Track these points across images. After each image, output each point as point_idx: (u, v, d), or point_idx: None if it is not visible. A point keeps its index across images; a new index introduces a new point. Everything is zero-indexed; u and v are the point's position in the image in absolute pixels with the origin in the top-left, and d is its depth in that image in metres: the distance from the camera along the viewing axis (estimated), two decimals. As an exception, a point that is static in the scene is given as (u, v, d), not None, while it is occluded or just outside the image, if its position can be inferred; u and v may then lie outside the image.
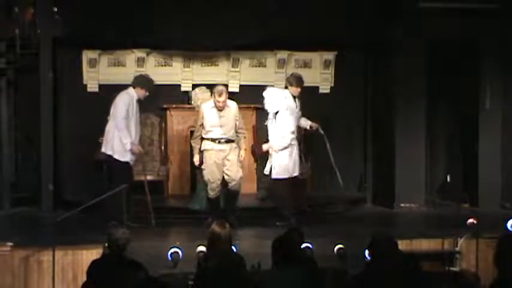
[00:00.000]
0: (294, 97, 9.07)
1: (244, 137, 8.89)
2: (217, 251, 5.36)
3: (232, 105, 8.75)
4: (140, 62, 10.56)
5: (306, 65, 10.96)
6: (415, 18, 9.97)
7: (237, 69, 10.79)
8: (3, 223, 9.23)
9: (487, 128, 10.30)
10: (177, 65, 10.75)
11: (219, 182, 8.68)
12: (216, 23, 9.96)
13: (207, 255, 5.55)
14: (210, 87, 9.39)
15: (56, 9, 9.64)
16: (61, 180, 10.20)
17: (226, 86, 9.04)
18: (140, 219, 8.60)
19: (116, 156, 8.49)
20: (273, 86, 9.84)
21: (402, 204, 10.23)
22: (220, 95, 8.52)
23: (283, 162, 8.84)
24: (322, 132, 9.55)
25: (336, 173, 9.72)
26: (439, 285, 5.95)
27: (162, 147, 10.42)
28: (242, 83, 10.73)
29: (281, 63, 10.80)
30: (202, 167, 8.73)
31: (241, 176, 8.76)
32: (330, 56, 10.91)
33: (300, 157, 9.24)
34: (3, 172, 10.13)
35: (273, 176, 8.89)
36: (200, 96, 9.23)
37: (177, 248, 6.79)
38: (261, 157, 9.56)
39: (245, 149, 8.90)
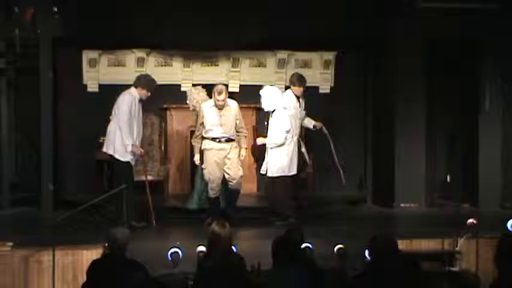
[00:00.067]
0: (298, 97, 9.11)
1: (245, 136, 8.90)
2: (217, 251, 5.36)
3: (233, 104, 8.75)
4: (140, 62, 10.57)
5: (306, 65, 10.97)
6: (415, 18, 9.97)
7: (237, 69, 10.80)
8: (3, 223, 9.23)
9: (487, 128, 10.30)
10: (177, 65, 10.75)
11: (219, 182, 8.68)
12: (216, 23, 9.97)
13: (207, 255, 5.54)
14: (207, 87, 9.37)
15: (56, 9, 9.64)
16: (61, 180, 10.20)
17: (226, 85, 9.03)
18: (141, 219, 8.60)
19: (117, 156, 8.49)
20: (273, 85, 9.85)
21: (402, 204, 10.24)
22: (220, 93, 8.52)
23: (278, 160, 8.84)
24: (326, 132, 9.57)
25: (340, 172, 9.73)
26: (439, 285, 5.95)
27: (162, 147, 10.41)
28: (242, 83, 10.73)
29: (281, 63, 10.81)
30: (203, 166, 8.73)
31: (242, 175, 8.76)
32: (330, 56, 10.91)
33: (305, 160, 9.26)
34: (3, 172, 10.14)
35: (268, 174, 8.91)
36: (196, 96, 9.20)
37: (177, 248, 6.78)
38: (260, 157, 9.56)
39: (246, 148, 8.90)
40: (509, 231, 6.92)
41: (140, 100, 8.60)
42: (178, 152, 10.48)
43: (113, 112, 8.55)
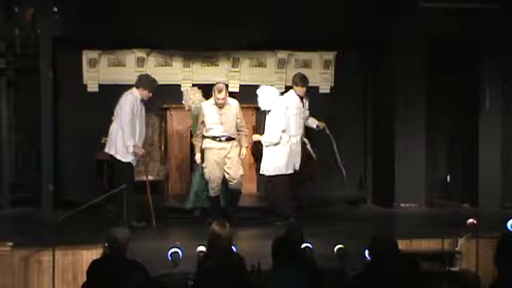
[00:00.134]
0: (300, 97, 9.14)
1: (246, 135, 8.89)
2: (217, 251, 5.36)
3: (233, 103, 8.76)
4: (140, 62, 10.57)
5: (306, 65, 10.97)
6: (415, 18, 9.97)
7: (237, 69, 10.80)
8: (3, 223, 9.23)
9: (487, 128, 10.30)
10: (177, 65, 10.75)
11: (219, 181, 8.68)
12: (216, 23, 9.97)
13: (207, 255, 5.54)
14: (206, 87, 9.37)
15: (56, 9, 9.64)
16: (61, 180, 10.20)
17: (226, 85, 9.03)
18: (141, 220, 8.59)
19: (118, 157, 8.48)
20: (272, 85, 9.86)
21: (402, 204, 10.24)
22: (220, 91, 8.53)
23: (275, 159, 8.84)
24: (328, 132, 9.57)
25: (343, 172, 9.75)
26: (439, 285, 5.95)
27: (162, 147, 10.41)
28: (242, 83, 10.73)
29: (281, 63, 10.81)
30: (203, 165, 8.73)
31: (242, 175, 8.76)
32: (330, 56, 10.92)
33: (310, 155, 9.27)
34: (3, 172, 10.14)
35: (264, 173, 8.90)
36: (192, 97, 9.19)
37: (177, 248, 6.78)
38: (260, 157, 9.56)
39: (246, 147, 8.90)
40: (509, 231, 6.92)
41: (142, 100, 8.60)
42: (178, 152, 10.47)
43: (115, 113, 8.54)
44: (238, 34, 10.19)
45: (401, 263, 5.09)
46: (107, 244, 5.87)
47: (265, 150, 8.92)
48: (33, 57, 9.85)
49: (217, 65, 10.82)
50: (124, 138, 8.40)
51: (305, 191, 9.82)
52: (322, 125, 9.57)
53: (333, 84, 11.01)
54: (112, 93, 9.43)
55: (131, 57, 10.62)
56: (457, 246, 7.49)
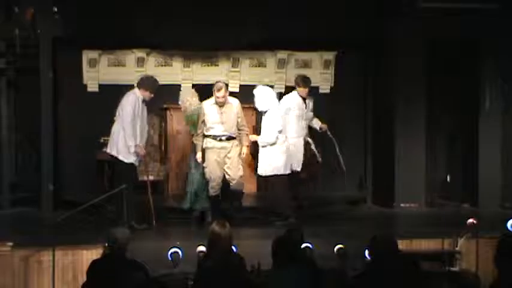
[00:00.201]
0: (303, 98, 9.14)
1: (247, 134, 8.89)
2: (217, 251, 5.36)
3: (234, 102, 8.76)
4: (140, 62, 10.57)
5: (306, 65, 10.98)
6: (415, 18, 9.97)
7: (237, 69, 10.80)
8: (3, 223, 9.23)
9: (487, 128, 10.31)
10: (177, 65, 10.76)
11: (219, 180, 8.68)
12: (216, 23, 9.97)
13: (207, 255, 5.54)
14: (203, 88, 9.38)
15: (56, 9, 9.65)
16: (61, 180, 10.20)
17: (226, 84, 9.01)
18: (142, 221, 8.59)
19: (120, 158, 8.48)
20: (272, 85, 9.88)
21: (402, 204, 10.24)
22: (219, 90, 8.53)
23: (272, 160, 8.83)
24: (330, 135, 9.56)
25: (345, 174, 9.76)
26: (439, 285, 5.95)
27: (162, 147, 10.41)
28: (242, 83, 10.73)
29: (281, 63, 10.81)
30: (204, 164, 8.73)
31: (242, 175, 8.76)
32: (330, 56, 10.92)
33: (314, 155, 9.28)
34: (3, 172, 10.14)
35: (260, 173, 8.90)
36: (189, 98, 9.16)
37: (177, 248, 6.78)
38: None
39: (247, 146, 8.89)
40: (509, 231, 6.93)
41: (143, 101, 8.60)
42: (178, 152, 10.47)
43: (117, 113, 8.54)
44: (238, 34, 10.19)
45: (401, 263, 5.09)
46: (107, 244, 5.87)
47: (261, 151, 8.91)
48: (33, 57, 9.86)
49: (217, 65, 10.82)
50: (125, 138, 8.40)
51: (305, 191, 9.82)
52: (324, 127, 9.59)
53: (333, 84, 11.01)
54: (112, 93, 9.44)
55: (131, 57, 10.62)
56: (457, 246, 7.49)
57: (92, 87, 10.62)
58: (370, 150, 11.05)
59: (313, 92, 9.81)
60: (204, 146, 8.72)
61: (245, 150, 8.82)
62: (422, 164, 10.42)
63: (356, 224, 9.04)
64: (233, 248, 5.65)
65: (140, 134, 8.54)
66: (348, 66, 10.91)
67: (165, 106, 10.39)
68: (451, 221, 8.67)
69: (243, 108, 9.13)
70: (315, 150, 9.49)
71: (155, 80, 8.77)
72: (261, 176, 9.01)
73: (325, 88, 10.99)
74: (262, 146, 8.88)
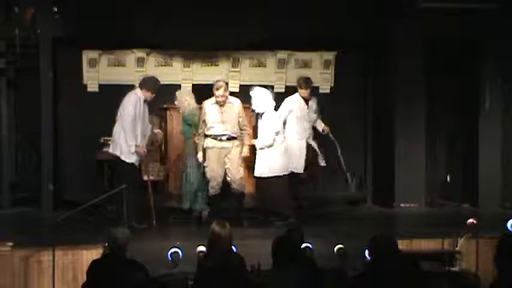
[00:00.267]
0: (305, 100, 9.14)
1: (248, 134, 8.89)
2: (217, 251, 5.36)
3: (236, 102, 8.76)
4: (140, 62, 10.56)
5: (306, 65, 10.96)
6: (415, 18, 9.97)
7: (237, 69, 10.79)
8: (3, 223, 9.23)
9: (487, 128, 10.31)
10: (177, 65, 10.75)
11: (220, 180, 8.68)
12: (216, 23, 9.96)
13: (207, 255, 5.55)
14: (203, 88, 9.37)
15: (56, 9, 9.65)
16: (61, 180, 10.20)
17: (226, 83, 9.00)
18: (142, 221, 8.59)
19: (122, 158, 8.48)
20: (273, 86, 9.88)
21: (402, 204, 10.24)
22: (217, 89, 8.55)
23: (269, 161, 8.83)
24: (332, 137, 9.55)
25: (347, 176, 9.75)
26: (439, 285, 5.96)
27: (162, 147, 10.41)
28: (242, 83, 10.72)
29: (281, 63, 10.80)
30: (204, 164, 8.73)
31: (242, 177, 8.75)
32: (330, 56, 10.91)
33: (317, 155, 9.27)
34: (3, 172, 10.14)
35: (258, 175, 8.89)
36: (188, 98, 9.15)
37: (177, 248, 6.79)
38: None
39: (249, 145, 8.89)
40: (509, 231, 6.94)
41: (145, 101, 8.61)
42: (178, 152, 10.46)
43: (119, 113, 8.54)
44: (238, 34, 10.18)
45: (401, 263, 5.09)
46: (107, 244, 5.88)
47: (258, 152, 8.90)
48: (33, 57, 9.86)
49: (217, 65, 10.81)
50: (126, 138, 8.40)
51: (305, 191, 9.82)
52: (327, 129, 9.58)
53: (333, 84, 11.00)
54: (112, 93, 9.45)
55: (131, 57, 10.62)
56: (457, 246, 7.50)
57: (92, 87, 10.61)
58: (370, 150, 11.05)
59: (314, 92, 9.80)
60: (204, 146, 8.73)
61: (246, 149, 8.81)
62: (422, 164, 10.42)
63: (356, 224, 9.04)
64: (233, 248, 5.65)
65: (141, 134, 8.54)
66: (348, 66, 10.90)
67: (165, 106, 10.38)
68: (451, 221, 8.68)
69: (244, 108, 9.12)
70: (318, 153, 9.46)
71: (157, 80, 8.79)
72: (258, 178, 8.98)
73: (325, 88, 10.98)
74: (260, 149, 8.87)
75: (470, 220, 7.46)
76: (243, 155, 8.78)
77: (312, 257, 6.03)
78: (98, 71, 10.59)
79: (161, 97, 9.75)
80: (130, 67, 10.58)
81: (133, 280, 5.03)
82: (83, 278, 6.10)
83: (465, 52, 10.40)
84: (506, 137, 10.40)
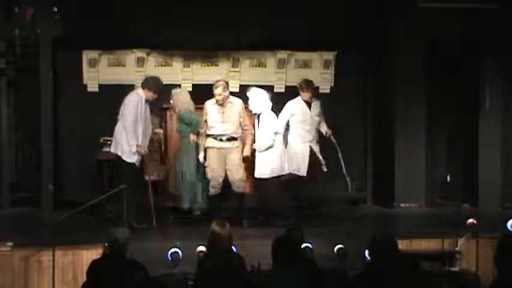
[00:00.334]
0: (307, 102, 9.11)
1: (251, 134, 8.89)
2: (217, 251, 5.36)
3: (237, 102, 8.76)
4: (140, 62, 10.56)
5: (306, 65, 10.96)
6: (415, 18, 9.97)
7: (237, 69, 10.79)
8: (3, 223, 9.23)
9: (487, 128, 10.31)
10: (177, 65, 10.75)
11: (220, 180, 8.68)
12: (216, 23, 9.96)
13: (207, 255, 5.55)
14: (203, 88, 9.36)
15: (56, 9, 9.65)
16: (61, 180, 10.21)
17: (226, 82, 8.98)
18: (142, 221, 8.59)
19: (124, 158, 8.48)
20: (273, 86, 9.87)
21: (402, 204, 10.24)
22: (216, 88, 8.56)
23: (268, 161, 8.83)
24: (333, 140, 9.56)
25: (347, 180, 9.75)
26: (439, 285, 5.96)
27: (162, 147, 10.40)
28: (242, 83, 10.71)
29: (281, 63, 10.80)
30: (205, 164, 8.73)
31: (242, 177, 8.75)
32: (330, 56, 10.90)
33: (320, 163, 9.27)
34: (3, 172, 10.14)
35: (258, 176, 8.88)
36: (181, 98, 9.13)
37: (177, 248, 6.79)
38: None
39: (250, 145, 8.89)
40: (509, 231, 6.94)
41: (147, 101, 8.61)
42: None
43: (120, 112, 8.54)
44: (238, 34, 10.18)
45: (401, 263, 5.09)
46: (107, 244, 5.87)
47: (257, 154, 8.89)
48: (33, 57, 9.86)
49: (217, 65, 10.81)
50: (128, 138, 8.40)
51: (305, 191, 9.82)
52: (329, 132, 9.56)
53: (333, 84, 10.99)
54: (112, 93, 9.45)
55: (131, 57, 10.61)
56: (457, 246, 7.50)
57: (92, 87, 10.61)
58: (370, 150, 11.05)
59: (317, 95, 9.80)
60: (205, 146, 8.73)
61: (247, 149, 8.82)
62: (422, 164, 10.42)
63: (356, 224, 9.04)
64: (233, 248, 5.66)
65: (143, 134, 8.54)
66: (348, 66, 10.90)
67: (165, 106, 10.36)
68: (451, 221, 8.68)
69: (245, 108, 9.13)
70: (320, 158, 9.43)
71: (159, 81, 8.79)
72: (258, 179, 8.98)
73: (325, 88, 10.97)
74: (260, 151, 8.85)
75: (470, 220, 7.46)
76: (244, 154, 8.78)
77: (312, 257, 6.03)
78: (98, 71, 10.58)
79: (161, 97, 9.75)
80: (131, 67, 10.58)
81: (134, 280, 5.03)
82: (83, 278, 6.10)
83: (465, 52, 10.40)
84: (506, 137, 10.40)
